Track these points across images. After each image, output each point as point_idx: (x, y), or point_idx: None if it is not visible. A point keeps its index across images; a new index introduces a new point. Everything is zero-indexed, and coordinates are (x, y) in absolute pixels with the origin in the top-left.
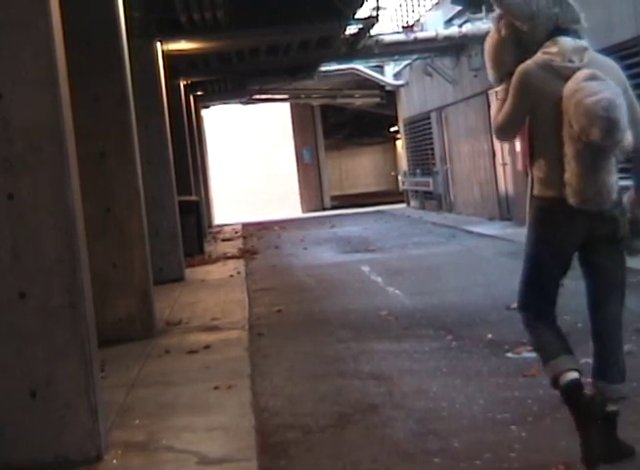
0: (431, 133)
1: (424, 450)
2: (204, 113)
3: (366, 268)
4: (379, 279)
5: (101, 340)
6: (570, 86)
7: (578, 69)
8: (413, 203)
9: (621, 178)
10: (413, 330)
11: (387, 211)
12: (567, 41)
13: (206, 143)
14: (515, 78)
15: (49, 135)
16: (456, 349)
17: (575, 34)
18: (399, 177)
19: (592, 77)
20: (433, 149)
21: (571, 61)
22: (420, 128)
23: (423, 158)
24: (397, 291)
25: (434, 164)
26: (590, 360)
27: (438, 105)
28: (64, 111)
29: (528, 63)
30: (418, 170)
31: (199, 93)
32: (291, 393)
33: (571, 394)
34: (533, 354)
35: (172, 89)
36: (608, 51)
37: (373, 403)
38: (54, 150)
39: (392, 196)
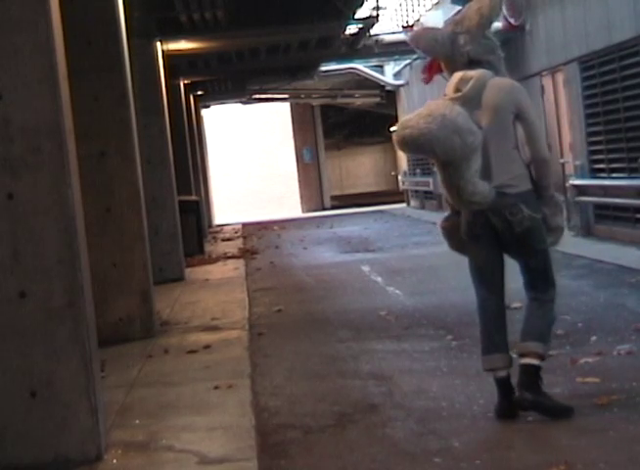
0: None
1: (424, 450)
2: (204, 113)
3: (366, 268)
4: (379, 279)
5: (101, 340)
6: None
7: (460, 96)
8: (413, 203)
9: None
10: (413, 330)
11: (386, 211)
12: (457, 75)
13: (206, 143)
14: None
15: (49, 135)
16: (456, 348)
17: (489, 64)
18: (399, 177)
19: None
20: None
21: (459, 90)
22: None
23: (423, 157)
24: (397, 291)
25: (434, 164)
26: (590, 360)
27: None
28: (64, 111)
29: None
30: (418, 170)
31: (199, 93)
32: (291, 392)
33: (501, 387)
34: None
35: (172, 89)
36: (608, 51)
37: (373, 403)
38: (54, 150)
39: (392, 196)
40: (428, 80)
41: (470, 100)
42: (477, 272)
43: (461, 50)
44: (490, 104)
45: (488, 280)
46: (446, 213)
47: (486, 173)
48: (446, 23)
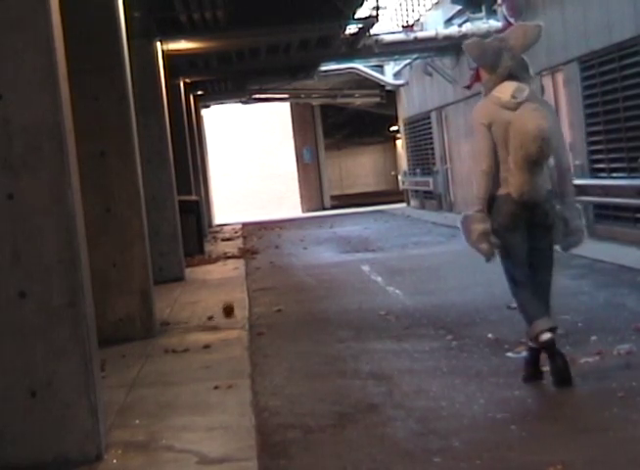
0: (431, 133)
1: (424, 450)
2: (204, 112)
3: (366, 268)
4: (379, 279)
5: (101, 339)
6: (518, 114)
7: (521, 102)
8: (413, 202)
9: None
10: (413, 330)
11: (386, 211)
12: (512, 84)
13: (206, 143)
14: (474, 116)
15: (49, 135)
16: (456, 348)
17: (524, 81)
18: (399, 177)
19: (535, 109)
20: (433, 149)
21: (514, 97)
22: (420, 128)
23: (423, 157)
24: (397, 290)
25: (433, 164)
26: (590, 360)
27: (438, 104)
28: (64, 111)
29: (481, 102)
30: (418, 170)
31: (199, 93)
32: (291, 392)
33: (547, 349)
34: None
35: (172, 89)
36: (607, 50)
37: (373, 403)
38: (54, 150)
39: (392, 195)
40: (470, 87)
41: None
42: (515, 256)
43: (504, 64)
44: None
45: (523, 262)
46: (473, 215)
47: None
48: (492, 38)
